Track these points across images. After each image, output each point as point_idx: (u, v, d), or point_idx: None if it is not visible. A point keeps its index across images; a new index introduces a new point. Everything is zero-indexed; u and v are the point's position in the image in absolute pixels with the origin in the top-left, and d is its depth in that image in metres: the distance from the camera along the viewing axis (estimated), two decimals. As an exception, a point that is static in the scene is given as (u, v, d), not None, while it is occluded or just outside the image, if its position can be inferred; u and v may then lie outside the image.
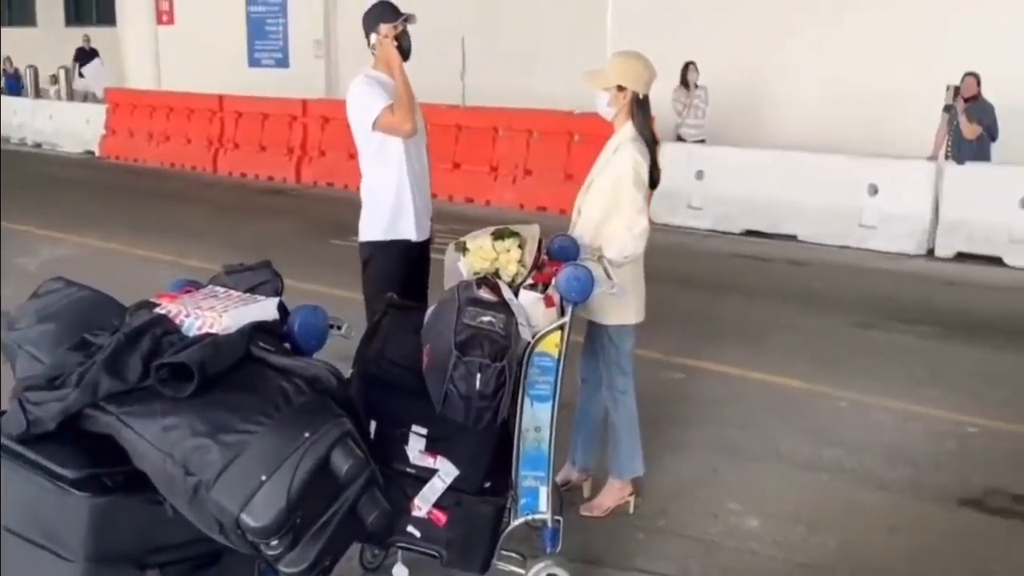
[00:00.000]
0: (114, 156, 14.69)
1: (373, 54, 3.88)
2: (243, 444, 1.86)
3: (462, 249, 3.22)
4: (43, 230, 9.03)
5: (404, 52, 3.81)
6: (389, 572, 3.01)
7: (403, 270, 3.82)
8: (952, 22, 10.17)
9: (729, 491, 3.97)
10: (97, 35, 20.86)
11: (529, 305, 3.04)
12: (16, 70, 18.88)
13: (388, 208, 3.83)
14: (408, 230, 3.85)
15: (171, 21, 18.65)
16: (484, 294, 2.88)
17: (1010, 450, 4.45)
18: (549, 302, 3.10)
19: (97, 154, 14.95)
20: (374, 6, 3.87)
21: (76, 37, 21.80)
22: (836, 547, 3.55)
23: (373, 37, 3.84)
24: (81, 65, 17.46)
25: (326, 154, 12.33)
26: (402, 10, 3.84)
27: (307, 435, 1.90)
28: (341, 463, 1.93)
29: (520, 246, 3.18)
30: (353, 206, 3.89)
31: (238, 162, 13.29)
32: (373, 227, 3.87)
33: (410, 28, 3.85)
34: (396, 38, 3.80)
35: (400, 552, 2.96)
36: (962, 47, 9.74)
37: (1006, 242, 8.21)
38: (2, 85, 18.82)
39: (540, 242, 3.27)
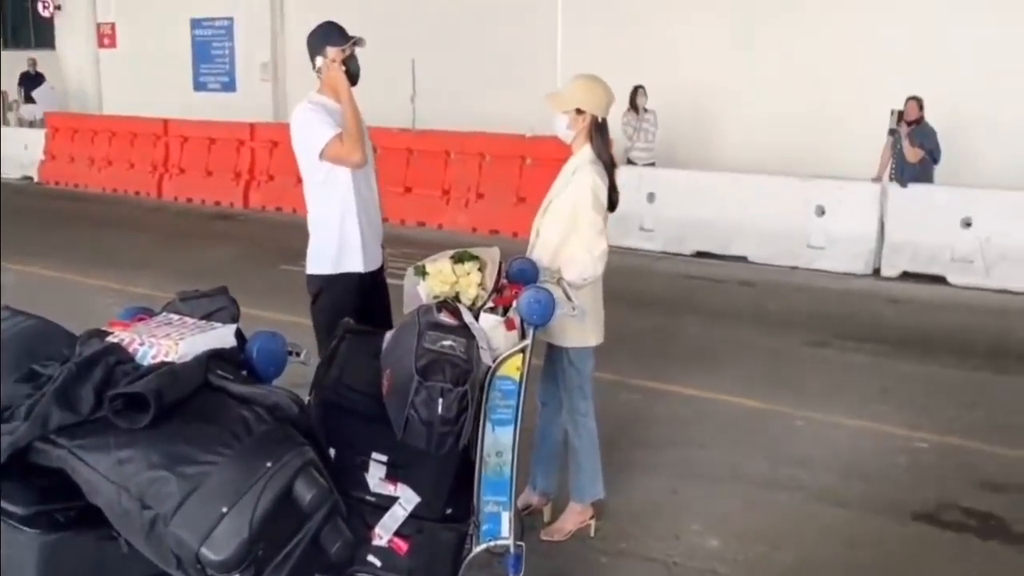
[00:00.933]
0: (53, 182, 14.35)
1: (319, 77, 3.70)
2: (203, 475, 1.80)
3: (421, 273, 3.19)
4: (-19, 258, 8.75)
5: (352, 76, 3.64)
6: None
7: (354, 301, 3.68)
8: (895, 46, 10.48)
9: (690, 512, 3.98)
10: (36, 58, 20.48)
11: (490, 328, 3.01)
12: None
13: (335, 241, 3.69)
14: (355, 263, 3.71)
15: (113, 44, 18.35)
16: (444, 318, 2.85)
17: (959, 464, 4.54)
18: (510, 325, 3.08)
19: (36, 180, 14.58)
20: (320, 27, 3.70)
21: (13, 60, 21.30)
22: (797, 564, 3.57)
23: (319, 60, 3.64)
24: (28, 90, 16.97)
25: (274, 178, 12.20)
26: (350, 32, 3.67)
27: (269, 465, 1.85)
28: (304, 492, 1.88)
29: (480, 269, 3.15)
30: (302, 231, 3.81)
31: (184, 187, 13.08)
32: (321, 261, 3.72)
33: (358, 51, 3.68)
34: (344, 62, 3.63)
35: (361, 583, 2.88)
36: (905, 70, 10.04)
37: (949, 261, 8.43)
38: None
39: (500, 265, 3.25)
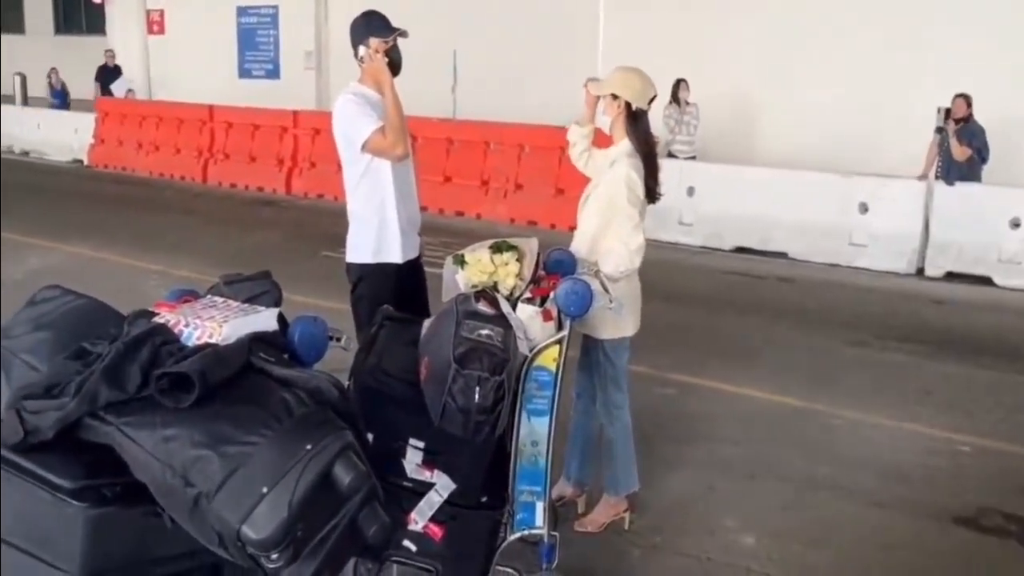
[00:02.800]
0: (102, 165, 14.60)
1: (361, 67, 3.70)
2: (244, 456, 1.83)
3: (460, 262, 3.20)
4: (30, 238, 8.95)
5: (395, 67, 3.64)
6: (383, 586, 2.97)
7: (392, 289, 3.71)
8: (943, 42, 10.28)
9: (724, 508, 3.96)
10: (86, 44, 20.85)
11: (527, 319, 3.03)
12: (63, 84, 16.91)
13: (374, 231, 3.71)
14: (394, 254, 3.73)
15: (162, 31, 18.62)
16: (482, 307, 2.86)
17: (1002, 469, 4.46)
18: (547, 316, 3.09)
19: (85, 163, 14.86)
20: (363, 16, 3.69)
21: (66, 45, 21.73)
22: (834, 565, 3.54)
23: (362, 49, 3.64)
24: (106, 83, 16.30)
25: (316, 165, 12.29)
26: (394, 23, 3.66)
27: (309, 447, 1.88)
28: (343, 476, 1.90)
29: (518, 259, 3.16)
30: (343, 218, 3.84)
31: (228, 173, 13.23)
32: (360, 250, 3.75)
33: (400, 41, 3.66)
34: (386, 53, 3.62)
35: (395, 566, 2.92)
36: (952, 66, 9.84)
37: (995, 262, 8.26)
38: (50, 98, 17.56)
39: (538, 256, 3.26)
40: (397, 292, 3.69)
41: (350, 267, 3.81)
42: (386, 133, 3.55)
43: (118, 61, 17.09)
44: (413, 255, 3.84)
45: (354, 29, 3.69)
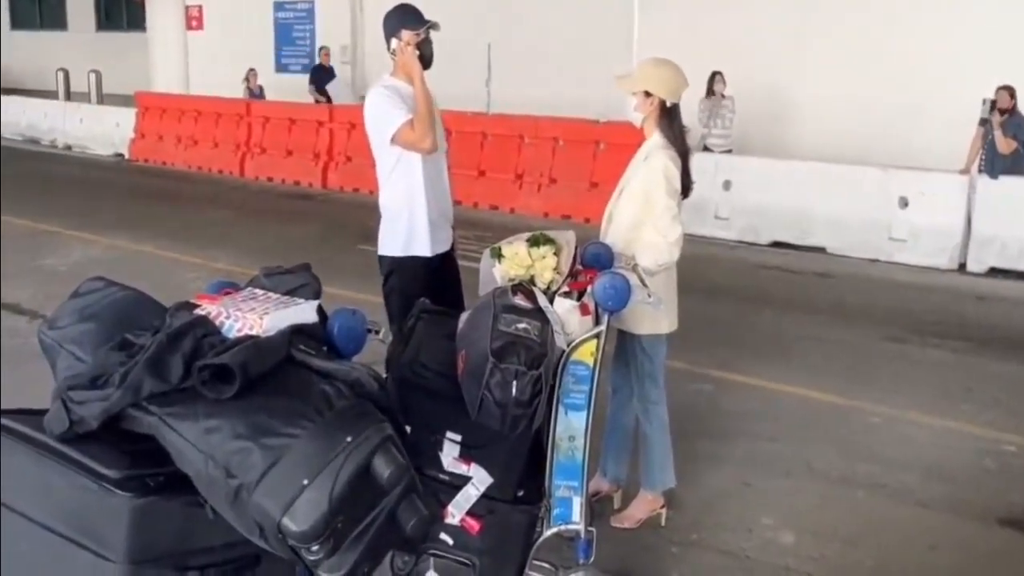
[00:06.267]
0: (143, 159, 14.81)
1: (393, 60, 3.72)
2: (285, 447, 1.84)
3: (497, 255, 3.19)
4: (73, 231, 9.11)
5: (426, 60, 3.66)
6: (419, 579, 2.98)
7: (423, 282, 3.73)
8: (985, 32, 10.06)
9: (762, 505, 3.92)
10: (126, 39, 21.15)
11: (564, 313, 3.01)
12: (260, 87, 14.91)
13: (404, 225, 3.74)
14: (423, 247, 3.75)
15: (200, 27, 18.82)
16: (520, 301, 2.85)
17: (1049, 470, 4.36)
18: (584, 310, 3.06)
19: (126, 157, 15.08)
20: (396, 9, 3.71)
21: (107, 41, 22.04)
22: (874, 565, 3.49)
23: (394, 42, 3.66)
24: (322, 83, 14.59)
25: (352, 159, 12.36)
26: (427, 16, 3.67)
27: (349, 439, 1.88)
28: (383, 468, 1.90)
29: (556, 253, 3.14)
30: (378, 212, 3.86)
31: (265, 167, 13.36)
32: (390, 243, 3.78)
33: (434, 35, 3.67)
34: (418, 46, 3.63)
35: (432, 559, 2.92)
36: (996, 57, 9.63)
37: (1040, 257, 8.08)
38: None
39: (575, 249, 3.24)
40: (428, 285, 3.70)
41: (381, 260, 3.84)
42: (415, 126, 3.57)
43: (159, 56, 17.16)
44: (443, 249, 3.85)
45: (387, 22, 3.71)
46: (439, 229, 3.81)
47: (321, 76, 14.76)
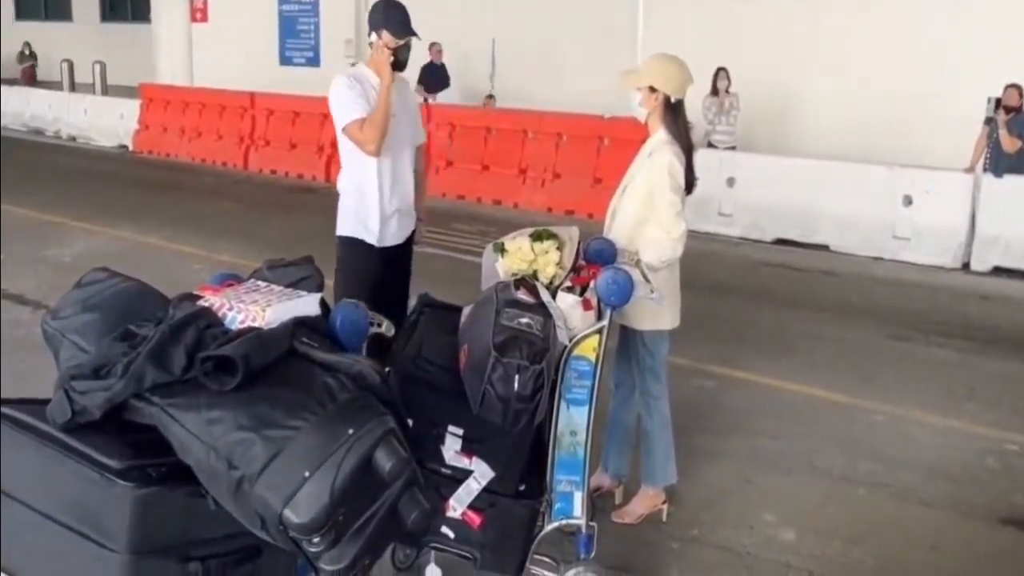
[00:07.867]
0: (147, 151, 14.80)
1: (370, 47, 3.76)
2: (287, 439, 1.84)
3: (500, 250, 3.19)
4: (77, 222, 9.12)
5: (400, 65, 3.70)
6: (420, 572, 2.98)
7: (370, 269, 3.79)
8: (992, 30, 10.03)
9: (763, 502, 3.91)
10: (131, 31, 21.14)
11: (567, 308, 3.01)
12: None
13: (353, 208, 3.82)
14: (371, 236, 3.80)
15: (205, 19, 18.80)
16: (522, 295, 2.85)
17: (1052, 469, 4.36)
18: (587, 305, 3.06)
19: (130, 148, 15.08)
20: (385, 5, 3.72)
21: (111, 32, 22.04)
22: (876, 563, 3.48)
23: (373, 36, 3.70)
24: (431, 85, 13.07)
25: (356, 153, 12.33)
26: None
27: (351, 432, 1.88)
28: (384, 461, 1.90)
29: (559, 248, 3.14)
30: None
31: (268, 159, 13.35)
32: (342, 223, 3.87)
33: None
34: (394, 51, 3.66)
35: (433, 553, 2.93)
36: (1002, 55, 9.60)
37: (1046, 257, 8.06)
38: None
39: (578, 245, 3.24)
40: (375, 273, 3.77)
41: (337, 239, 3.90)
42: (364, 127, 3.62)
43: (164, 48, 17.14)
44: (396, 241, 3.89)
45: (373, 14, 3.75)
46: (393, 222, 3.85)
47: (432, 76, 13.03)
